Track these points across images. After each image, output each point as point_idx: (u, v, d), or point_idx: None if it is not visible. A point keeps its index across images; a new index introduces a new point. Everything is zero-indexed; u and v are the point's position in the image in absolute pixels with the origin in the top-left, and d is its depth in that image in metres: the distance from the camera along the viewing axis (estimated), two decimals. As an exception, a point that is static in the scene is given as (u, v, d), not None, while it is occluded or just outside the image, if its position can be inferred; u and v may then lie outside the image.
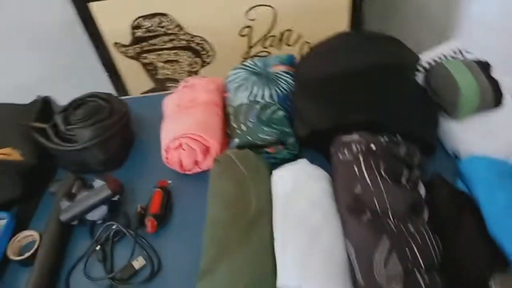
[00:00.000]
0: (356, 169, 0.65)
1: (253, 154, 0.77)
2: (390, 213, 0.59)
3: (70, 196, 0.75)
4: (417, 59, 0.83)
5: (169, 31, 1.23)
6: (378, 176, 0.64)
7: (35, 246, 0.71)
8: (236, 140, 0.79)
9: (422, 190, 0.65)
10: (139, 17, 1.21)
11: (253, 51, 1.30)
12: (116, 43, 1.26)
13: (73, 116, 0.83)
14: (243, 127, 0.79)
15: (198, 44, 1.27)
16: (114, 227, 0.72)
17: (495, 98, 0.76)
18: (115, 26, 1.22)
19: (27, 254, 0.70)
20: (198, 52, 1.29)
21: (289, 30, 1.25)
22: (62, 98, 0.90)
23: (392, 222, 0.58)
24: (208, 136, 0.78)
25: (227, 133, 0.83)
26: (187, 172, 0.81)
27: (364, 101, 0.73)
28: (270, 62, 0.89)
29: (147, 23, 1.22)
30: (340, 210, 0.63)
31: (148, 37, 1.25)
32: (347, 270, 0.58)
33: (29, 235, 0.74)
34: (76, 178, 0.81)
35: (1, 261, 0.71)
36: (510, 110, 0.77)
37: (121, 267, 0.67)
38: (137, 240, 0.70)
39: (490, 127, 0.76)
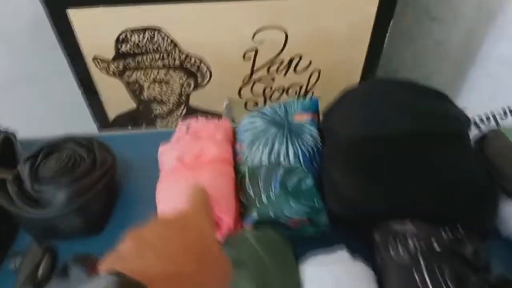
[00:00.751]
0: (416, 276, 0.52)
1: (276, 236, 0.62)
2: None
3: (36, 285, 0.57)
4: (469, 121, 0.70)
5: (161, 48, 1.05)
6: (443, 284, 0.51)
7: None
8: (255, 215, 0.63)
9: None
10: (126, 30, 1.01)
11: (256, 76, 1.13)
12: (95, 57, 1.06)
13: (43, 169, 0.65)
14: (264, 198, 0.63)
15: (193, 64, 1.09)
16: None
17: None
18: (96, 38, 1.02)
19: None
20: (192, 73, 1.12)
21: (299, 55, 1.09)
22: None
23: None
24: (219, 210, 0.61)
25: (239, 199, 0.67)
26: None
27: (420, 180, 0.59)
28: (292, 110, 0.73)
29: (135, 38, 1.02)
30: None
31: (135, 53, 1.06)
32: None
33: None
34: (45, 252, 0.62)
35: None
36: None
37: None
38: None
39: None
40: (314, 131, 0.71)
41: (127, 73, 1.10)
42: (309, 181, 0.64)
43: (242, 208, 0.65)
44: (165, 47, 1.04)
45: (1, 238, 0.66)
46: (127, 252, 0.33)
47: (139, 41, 1.03)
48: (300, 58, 1.10)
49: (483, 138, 0.70)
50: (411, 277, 0.52)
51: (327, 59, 1.11)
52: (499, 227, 0.64)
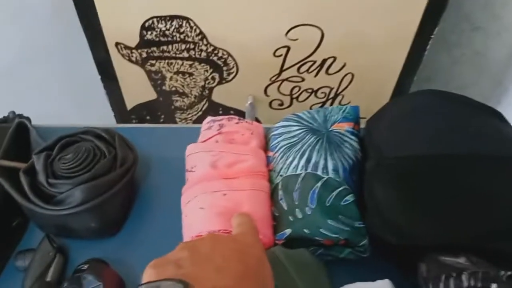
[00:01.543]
0: (471, 319, 0.46)
1: (310, 257, 0.56)
2: None
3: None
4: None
5: (189, 39, 0.99)
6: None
7: None
8: (288, 231, 0.57)
9: None
10: (153, 17, 0.95)
11: (285, 74, 1.07)
12: (118, 43, 1.01)
13: (58, 162, 0.59)
14: (298, 213, 0.57)
15: (220, 58, 1.03)
16: None
17: None
18: (121, 24, 0.97)
19: None
20: (218, 67, 1.06)
21: (333, 57, 1.03)
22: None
23: None
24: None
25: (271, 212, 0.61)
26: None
27: (476, 208, 0.53)
28: (332, 117, 0.67)
29: (162, 26, 0.97)
30: None
31: (161, 42, 1.00)
32: None
33: None
34: (56, 251, 0.57)
35: None
36: None
37: None
38: None
39: None
40: (354, 141, 0.65)
41: (150, 61, 1.05)
42: (350, 198, 0.58)
43: (273, 221, 0.60)
44: (193, 38, 0.98)
45: (10, 232, 0.60)
46: (181, 259, 0.33)
47: (166, 29, 0.97)
48: (334, 60, 1.03)
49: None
50: (464, 320, 0.46)
51: (362, 63, 1.04)
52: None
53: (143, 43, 1.00)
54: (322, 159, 0.61)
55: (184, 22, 0.96)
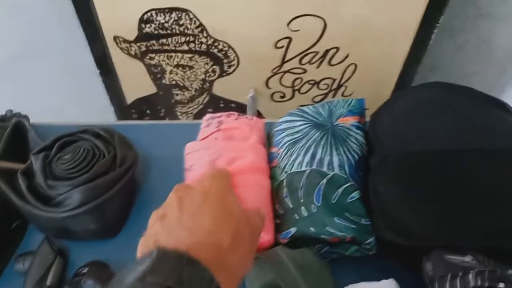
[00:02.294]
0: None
1: (314, 258, 0.55)
2: None
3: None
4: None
5: (188, 31, 0.97)
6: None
7: None
8: (292, 230, 0.56)
9: None
10: (152, 10, 0.93)
11: (287, 66, 1.05)
12: (116, 37, 0.99)
13: (57, 163, 0.58)
14: (303, 211, 0.56)
15: (220, 50, 1.01)
16: None
17: None
18: (119, 17, 0.94)
19: None
20: (219, 60, 1.03)
21: (336, 48, 1.01)
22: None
23: None
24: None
25: (274, 209, 0.59)
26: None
27: (484, 205, 0.51)
28: (337, 111, 0.65)
29: (161, 18, 0.94)
30: None
31: (160, 35, 0.98)
32: None
33: None
34: (56, 254, 0.56)
35: None
36: None
37: None
38: None
39: None
40: (360, 135, 0.63)
41: (149, 55, 1.03)
42: (356, 194, 0.56)
43: (277, 219, 0.58)
44: (192, 30, 0.96)
45: (9, 235, 0.59)
46: (156, 233, 0.35)
47: (165, 22, 0.95)
48: (337, 50, 1.01)
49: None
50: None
51: (365, 53, 1.02)
52: None
53: (142, 37, 0.98)
54: (328, 155, 0.59)
55: (183, 14, 0.93)
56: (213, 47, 1.00)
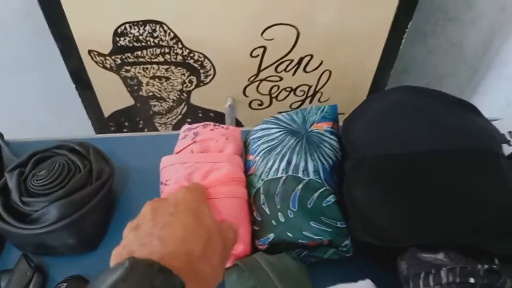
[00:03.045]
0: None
1: (292, 262, 0.56)
2: None
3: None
4: (502, 136, 0.64)
5: (163, 43, 0.97)
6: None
7: None
8: (271, 236, 0.56)
9: None
10: (126, 23, 0.93)
11: (263, 74, 1.06)
12: (91, 51, 0.99)
13: (32, 179, 0.57)
14: (280, 217, 0.57)
15: (196, 61, 1.02)
16: None
17: None
18: (93, 31, 0.94)
19: None
20: (195, 70, 1.04)
21: (310, 55, 1.02)
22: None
23: None
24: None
25: (252, 216, 0.60)
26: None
27: (456, 204, 0.53)
28: (310, 118, 0.67)
29: (135, 31, 0.95)
30: None
31: (135, 47, 0.98)
32: None
33: None
34: (34, 271, 0.56)
35: None
36: None
37: None
38: None
39: None
40: (334, 140, 0.64)
41: (125, 67, 1.03)
42: (331, 198, 0.57)
43: (256, 226, 0.59)
44: (167, 42, 0.97)
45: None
46: (129, 244, 0.36)
47: (139, 34, 0.95)
48: (311, 58, 1.03)
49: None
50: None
51: (339, 59, 1.04)
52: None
53: (117, 50, 0.98)
54: (303, 161, 0.60)
55: (158, 26, 0.94)
56: (188, 58, 1.01)
